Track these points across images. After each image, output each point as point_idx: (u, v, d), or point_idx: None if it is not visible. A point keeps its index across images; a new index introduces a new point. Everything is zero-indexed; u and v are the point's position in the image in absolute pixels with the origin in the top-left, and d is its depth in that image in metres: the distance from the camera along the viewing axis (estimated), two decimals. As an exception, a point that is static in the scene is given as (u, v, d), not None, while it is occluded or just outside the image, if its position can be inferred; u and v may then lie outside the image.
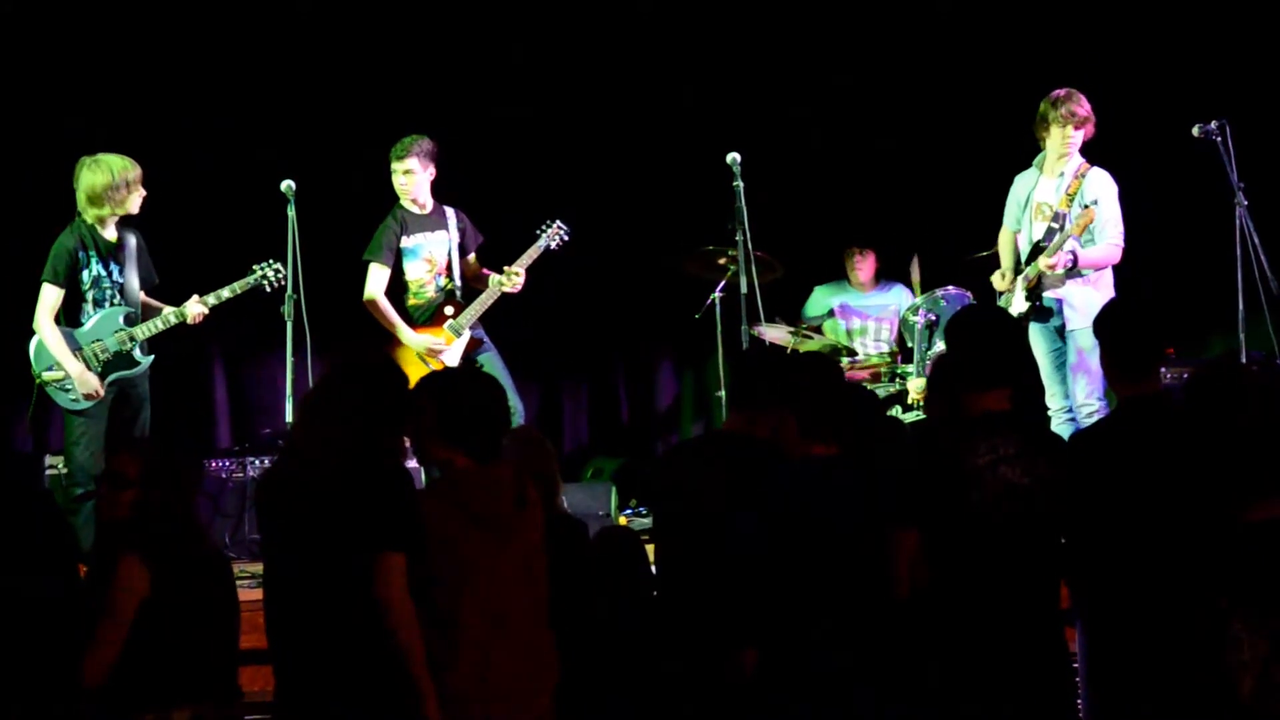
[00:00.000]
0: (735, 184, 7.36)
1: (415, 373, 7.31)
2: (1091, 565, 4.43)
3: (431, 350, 7.52)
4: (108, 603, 4.22)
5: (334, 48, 9.11)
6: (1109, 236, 7.13)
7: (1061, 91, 7.18)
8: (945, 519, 4.39)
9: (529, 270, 7.65)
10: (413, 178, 7.55)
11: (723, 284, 8.33)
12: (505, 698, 4.21)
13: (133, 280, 7.16)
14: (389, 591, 4.08)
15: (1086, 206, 7.03)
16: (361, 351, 6.48)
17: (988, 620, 4.39)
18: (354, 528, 4.10)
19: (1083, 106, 7.14)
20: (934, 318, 8.22)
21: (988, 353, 4.63)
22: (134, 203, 7.04)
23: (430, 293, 7.63)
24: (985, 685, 4.38)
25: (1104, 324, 4.67)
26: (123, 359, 7.10)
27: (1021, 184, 7.46)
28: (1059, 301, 7.19)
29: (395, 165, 7.55)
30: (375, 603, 4.07)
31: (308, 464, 4.24)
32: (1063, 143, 7.17)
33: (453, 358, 7.56)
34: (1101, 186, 7.15)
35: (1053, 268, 7.05)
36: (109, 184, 6.95)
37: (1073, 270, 7.07)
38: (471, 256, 7.78)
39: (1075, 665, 4.62)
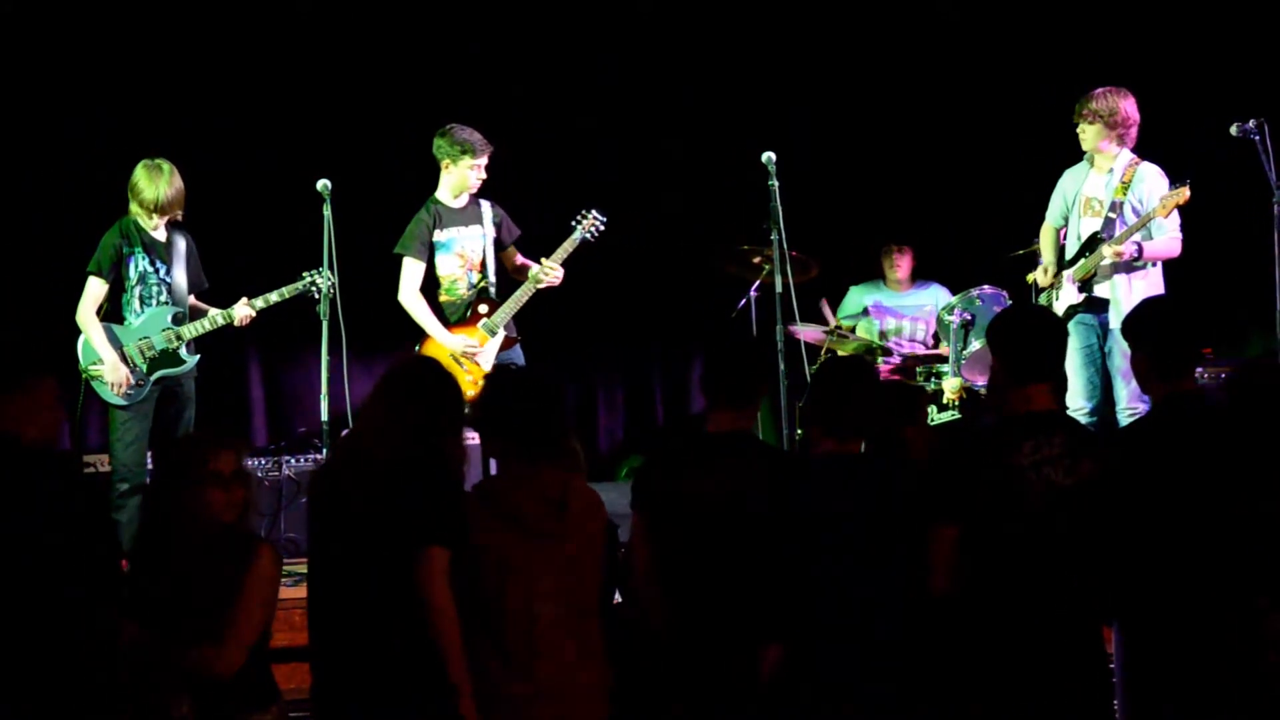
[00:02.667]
0: (770, 183, 7.34)
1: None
2: (1130, 564, 4.41)
3: (466, 351, 7.40)
4: (255, 593, 4.19)
5: (367, 45, 9.14)
6: (1168, 230, 7.12)
7: (1096, 90, 7.19)
8: (985, 517, 4.38)
9: (566, 262, 7.47)
10: (483, 172, 7.46)
11: (758, 283, 8.33)
12: (547, 698, 4.21)
13: (181, 280, 7.19)
14: (431, 586, 4.10)
15: (1176, 186, 6.99)
16: (425, 355, 6.39)
17: (1025, 619, 4.38)
18: (399, 521, 4.13)
19: (1101, 101, 7.14)
20: (969, 317, 8.18)
21: (1029, 350, 4.61)
22: (159, 225, 7.09)
23: (462, 289, 7.49)
24: (1020, 684, 4.36)
25: (1139, 325, 4.65)
26: (169, 357, 7.13)
27: (1070, 179, 7.44)
28: (1105, 299, 7.16)
29: (480, 160, 7.39)
30: (417, 597, 4.10)
31: (363, 459, 4.28)
32: (1085, 139, 7.21)
33: (487, 358, 7.43)
34: (1159, 179, 7.14)
35: (1120, 255, 7.01)
36: (155, 195, 7.01)
37: (1135, 262, 7.04)
38: (510, 250, 7.63)
39: (1111, 666, 4.61)
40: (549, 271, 7.45)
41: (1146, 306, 4.85)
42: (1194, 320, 4.59)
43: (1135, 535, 4.36)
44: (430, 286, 7.48)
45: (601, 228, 7.56)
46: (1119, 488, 4.39)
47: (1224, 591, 4.25)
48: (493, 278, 7.55)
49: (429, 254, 7.45)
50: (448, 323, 7.47)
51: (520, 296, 7.50)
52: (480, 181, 7.44)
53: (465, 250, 7.50)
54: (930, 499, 4.40)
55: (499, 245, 7.59)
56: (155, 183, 7.03)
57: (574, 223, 7.56)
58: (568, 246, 7.50)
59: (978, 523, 4.38)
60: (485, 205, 7.56)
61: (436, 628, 4.11)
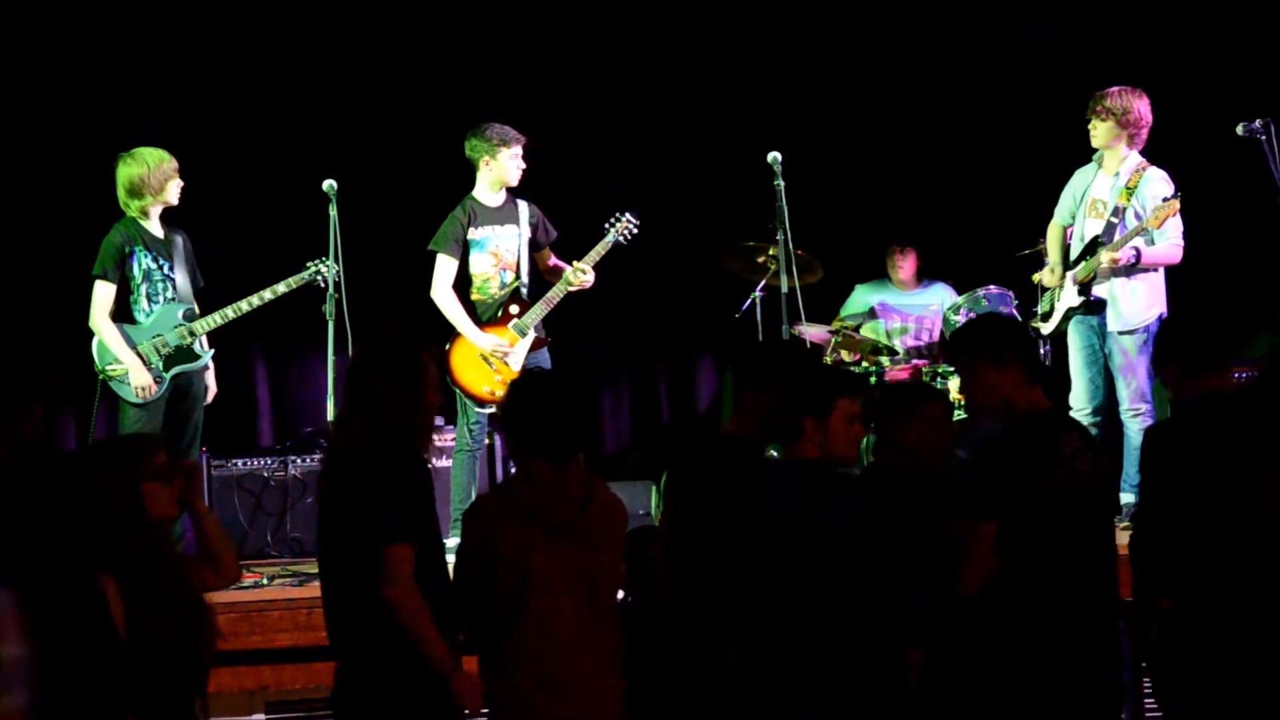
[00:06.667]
0: (776, 183, 7.33)
1: (478, 373, 7.34)
2: (1166, 560, 4.50)
3: (496, 351, 7.35)
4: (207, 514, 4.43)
5: (375, 44, 9.14)
6: (1170, 236, 7.11)
7: (1112, 88, 7.17)
8: (1028, 511, 4.38)
9: (597, 266, 7.47)
10: (521, 162, 7.43)
11: (763, 283, 8.32)
12: (564, 697, 4.22)
13: (183, 277, 7.19)
14: (392, 586, 4.13)
15: (1167, 199, 6.99)
16: (384, 332, 6.12)
17: (1058, 613, 4.39)
18: (364, 519, 4.17)
19: (1115, 99, 7.13)
20: (975, 317, 8.16)
21: (1033, 352, 4.69)
22: (172, 191, 7.07)
23: (494, 289, 7.45)
24: (1067, 674, 4.38)
25: (1163, 345, 4.75)
26: (184, 353, 7.12)
27: (1079, 179, 7.43)
28: (1104, 301, 7.16)
29: (517, 149, 7.38)
30: (382, 597, 4.13)
31: (336, 454, 4.37)
32: (1095, 136, 7.20)
33: (517, 359, 7.39)
34: (1162, 185, 7.12)
35: (1116, 261, 7.01)
36: (143, 174, 7.00)
37: (1134, 266, 7.04)
38: (545, 251, 7.59)
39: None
40: (579, 275, 7.44)
41: (1164, 330, 4.98)
42: (1224, 315, 4.68)
43: (1171, 529, 4.46)
44: (461, 285, 7.45)
45: (635, 231, 7.56)
46: (1155, 483, 4.54)
47: (1259, 584, 4.30)
48: (526, 278, 7.50)
49: (463, 251, 7.42)
50: (479, 321, 7.43)
51: (551, 298, 7.47)
52: (521, 171, 7.42)
53: (500, 249, 7.46)
54: (968, 496, 4.41)
55: (534, 245, 7.54)
56: (132, 162, 7.01)
57: (607, 225, 7.54)
58: (600, 249, 7.48)
59: (1024, 517, 4.37)
60: (522, 205, 7.52)
61: (407, 624, 4.12)
